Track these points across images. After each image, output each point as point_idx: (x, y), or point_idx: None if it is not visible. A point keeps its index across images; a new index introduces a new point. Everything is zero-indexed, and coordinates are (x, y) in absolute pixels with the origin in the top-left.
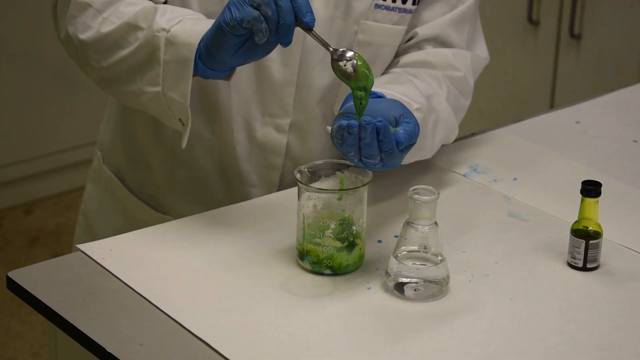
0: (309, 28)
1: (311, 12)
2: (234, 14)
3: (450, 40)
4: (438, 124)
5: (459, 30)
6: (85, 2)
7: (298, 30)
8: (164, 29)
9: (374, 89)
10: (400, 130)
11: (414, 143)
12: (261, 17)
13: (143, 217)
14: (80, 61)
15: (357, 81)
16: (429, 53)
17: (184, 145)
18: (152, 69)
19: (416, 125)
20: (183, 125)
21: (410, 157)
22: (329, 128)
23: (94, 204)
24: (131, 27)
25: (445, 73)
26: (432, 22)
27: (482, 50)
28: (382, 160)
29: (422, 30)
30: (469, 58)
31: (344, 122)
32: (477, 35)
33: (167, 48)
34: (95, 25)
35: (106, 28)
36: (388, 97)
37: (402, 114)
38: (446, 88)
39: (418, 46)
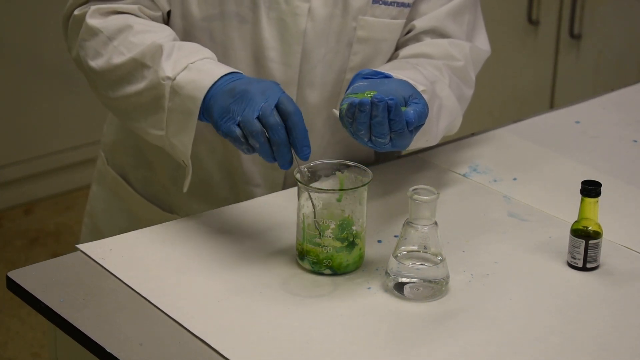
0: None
1: (308, 145)
2: (221, 130)
3: (448, 32)
4: (442, 110)
5: (458, 22)
6: (96, 28)
7: (297, 26)
8: (169, 77)
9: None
10: (410, 110)
11: (423, 124)
12: (247, 145)
13: (149, 217)
14: (90, 84)
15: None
16: (427, 44)
17: (185, 189)
18: (156, 114)
19: (425, 106)
20: (186, 166)
21: (416, 142)
22: (336, 111)
23: (100, 205)
24: (138, 64)
25: (446, 63)
26: (430, 14)
27: (482, 43)
28: (391, 140)
29: (420, 23)
30: (467, 48)
31: (356, 100)
32: (477, 27)
33: (172, 97)
34: (105, 53)
35: (115, 60)
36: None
37: (412, 95)
38: (448, 76)
39: (416, 38)
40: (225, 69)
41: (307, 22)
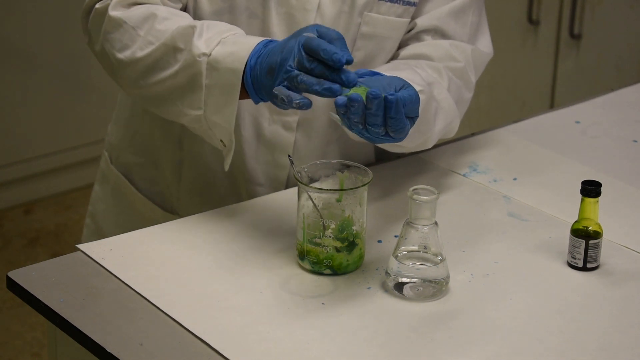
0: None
1: (337, 52)
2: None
3: (449, 32)
4: (438, 113)
5: (460, 22)
6: (120, 19)
7: (306, 22)
8: (204, 54)
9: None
10: (402, 93)
11: (417, 116)
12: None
13: (151, 216)
14: (117, 77)
15: None
16: (428, 45)
17: (226, 168)
18: (193, 93)
19: (415, 93)
20: (225, 146)
21: (411, 140)
22: (334, 115)
23: (102, 205)
24: (169, 49)
25: (446, 65)
26: (431, 13)
27: (485, 45)
28: (387, 126)
29: (421, 21)
30: (468, 50)
31: (354, 95)
32: (481, 29)
33: (209, 73)
34: (131, 43)
35: (144, 48)
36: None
37: (403, 86)
38: (447, 78)
39: (417, 37)
40: (258, 38)
41: (316, 18)
